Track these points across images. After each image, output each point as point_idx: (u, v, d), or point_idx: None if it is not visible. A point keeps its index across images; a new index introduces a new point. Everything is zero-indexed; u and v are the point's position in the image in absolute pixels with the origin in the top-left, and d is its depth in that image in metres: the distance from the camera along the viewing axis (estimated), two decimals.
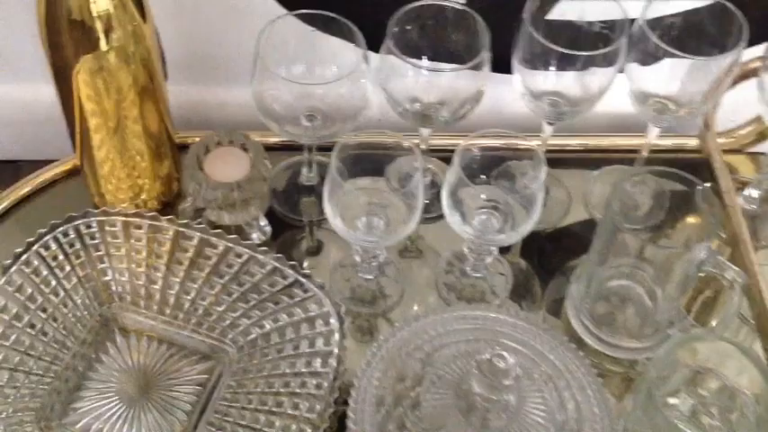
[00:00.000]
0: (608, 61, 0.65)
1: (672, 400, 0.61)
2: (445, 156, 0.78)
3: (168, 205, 0.75)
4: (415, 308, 0.72)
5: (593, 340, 0.68)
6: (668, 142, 0.81)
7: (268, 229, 0.74)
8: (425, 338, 0.62)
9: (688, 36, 0.66)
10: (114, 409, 0.63)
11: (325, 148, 0.73)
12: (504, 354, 0.55)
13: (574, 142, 0.82)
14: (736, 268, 0.62)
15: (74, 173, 0.76)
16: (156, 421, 0.62)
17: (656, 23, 0.65)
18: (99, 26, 0.61)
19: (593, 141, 0.82)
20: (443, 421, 0.57)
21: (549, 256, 0.75)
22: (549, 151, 0.74)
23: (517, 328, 0.63)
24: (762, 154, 0.77)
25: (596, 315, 0.68)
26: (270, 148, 0.72)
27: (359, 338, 0.71)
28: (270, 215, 0.75)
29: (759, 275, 0.66)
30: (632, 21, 0.65)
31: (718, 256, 0.62)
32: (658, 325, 0.66)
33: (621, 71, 0.67)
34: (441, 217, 0.71)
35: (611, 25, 0.66)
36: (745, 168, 0.82)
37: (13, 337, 0.63)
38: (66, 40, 0.61)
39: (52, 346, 0.64)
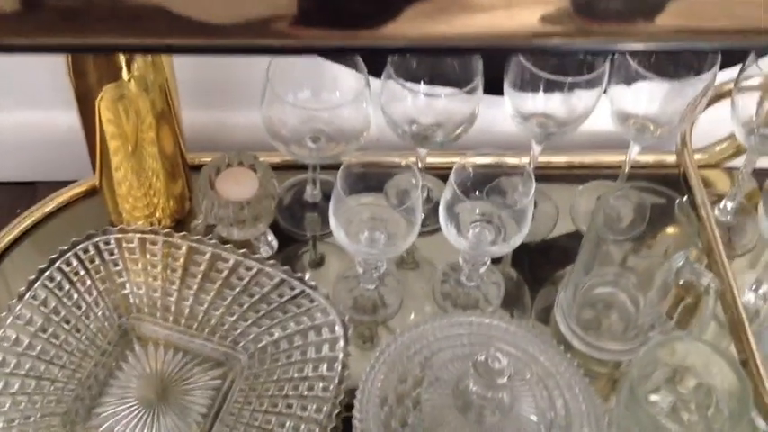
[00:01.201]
0: (592, 84, 0.70)
1: (653, 397, 0.66)
2: (440, 173, 0.82)
3: (181, 222, 0.79)
4: (413, 316, 0.77)
5: (581, 344, 0.73)
6: (649, 159, 0.86)
7: (275, 243, 0.78)
8: (425, 343, 0.66)
9: (665, 61, 0.71)
10: (134, 413, 0.67)
11: (328, 167, 0.77)
12: (499, 355, 0.59)
13: (560, 159, 0.86)
14: (711, 275, 0.67)
15: (91, 193, 0.80)
16: (174, 423, 0.66)
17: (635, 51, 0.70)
18: (121, 57, 0.66)
19: (578, 158, 0.87)
20: (442, 418, 0.62)
21: (538, 266, 0.80)
22: (537, 168, 0.78)
23: (509, 333, 0.67)
24: (736, 169, 0.82)
25: (583, 320, 0.73)
26: (275, 167, 0.77)
27: (360, 345, 0.75)
28: (275, 230, 0.79)
29: (732, 282, 0.70)
30: None
31: (694, 264, 0.67)
32: (640, 329, 0.71)
33: (605, 93, 0.73)
34: (436, 230, 0.75)
35: (594, 52, 0.71)
36: (721, 182, 0.87)
37: (38, 348, 0.67)
38: (90, 69, 0.65)
39: (75, 355, 0.68)
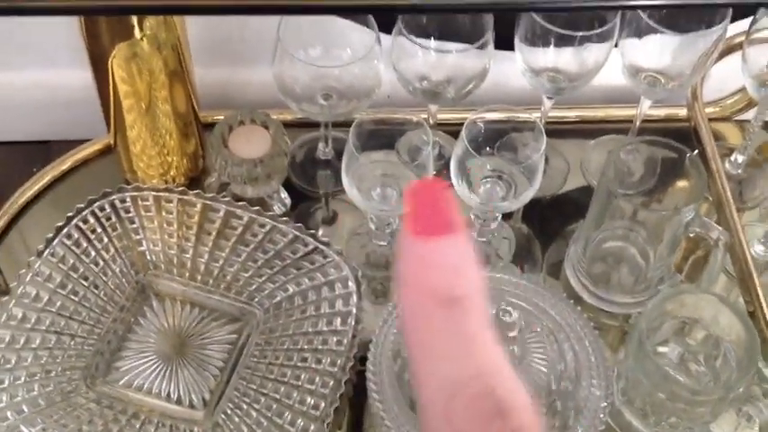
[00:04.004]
0: (602, 38, 0.70)
1: (662, 349, 0.67)
2: (452, 129, 0.82)
3: (195, 180, 0.80)
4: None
5: (591, 297, 0.73)
6: (661, 112, 0.86)
7: (288, 200, 0.79)
8: None
9: (676, 14, 0.71)
10: (153, 367, 0.68)
11: (340, 124, 0.78)
12: (509, 309, 0.60)
13: (572, 114, 0.87)
14: (720, 228, 0.67)
15: (106, 151, 0.81)
16: (191, 377, 0.68)
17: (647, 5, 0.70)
18: (133, 17, 0.66)
19: (589, 113, 0.87)
20: None
21: (549, 222, 0.80)
22: (548, 123, 0.79)
23: (520, 287, 0.68)
24: (747, 122, 0.82)
25: (593, 274, 0.74)
26: (288, 125, 0.77)
27: (373, 300, 0.76)
28: (288, 187, 0.80)
29: (741, 234, 0.71)
30: None
31: (703, 217, 0.68)
32: (650, 282, 0.72)
33: (615, 46, 0.72)
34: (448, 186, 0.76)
35: (605, 8, 0.70)
36: (733, 135, 0.87)
37: (58, 304, 0.68)
38: (103, 29, 0.66)
39: (94, 311, 0.69)
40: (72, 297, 0.69)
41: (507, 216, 0.79)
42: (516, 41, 0.72)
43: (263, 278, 0.71)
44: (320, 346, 0.67)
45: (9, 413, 0.63)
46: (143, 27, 0.67)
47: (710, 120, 0.83)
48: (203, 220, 0.72)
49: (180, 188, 0.73)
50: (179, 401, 0.67)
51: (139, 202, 0.73)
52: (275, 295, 0.70)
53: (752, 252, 0.73)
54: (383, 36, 0.72)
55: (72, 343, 0.68)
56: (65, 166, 0.81)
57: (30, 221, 0.79)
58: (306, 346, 0.67)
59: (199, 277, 0.71)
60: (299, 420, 0.64)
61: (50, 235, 0.70)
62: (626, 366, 0.63)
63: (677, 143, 0.70)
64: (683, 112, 0.85)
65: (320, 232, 0.73)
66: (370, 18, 0.71)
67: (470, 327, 0.42)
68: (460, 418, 0.41)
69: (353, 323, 0.68)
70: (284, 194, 0.79)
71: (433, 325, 0.42)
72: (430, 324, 0.42)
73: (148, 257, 0.72)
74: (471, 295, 0.42)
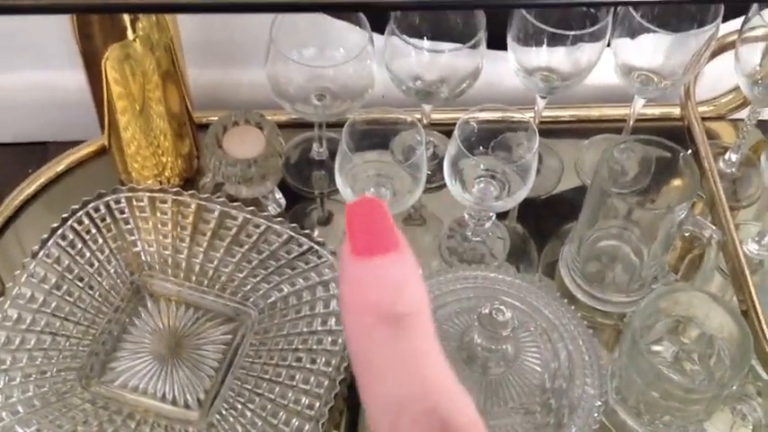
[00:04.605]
0: (595, 38, 0.70)
1: (656, 348, 0.67)
2: (446, 129, 0.82)
3: (189, 181, 0.80)
4: (420, 271, 0.77)
5: (585, 296, 0.74)
6: (654, 111, 0.86)
7: (282, 201, 0.79)
8: (430, 297, 0.67)
9: (669, 13, 0.71)
10: (148, 368, 0.68)
11: (334, 125, 0.78)
12: (503, 308, 0.60)
13: (566, 113, 0.87)
14: (713, 226, 0.68)
15: (101, 152, 0.81)
16: (186, 377, 0.68)
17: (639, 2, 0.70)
18: (125, 17, 0.66)
19: (583, 112, 0.87)
20: None
21: (543, 221, 0.81)
22: (542, 122, 0.79)
23: (514, 286, 0.68)
24: (741, 120, 0.82)
25: (587, 273, 0.74)
26: (282, 126, 0.77)
27: None
28: (283, 188, 0.80)
29: (733, 232, 0.71)
30: None
31: (697, 216, 0.68)
32: (644, 280, 0.72)
33: (608, 46, 0.73)
34: (442, 186, 0.76)
35: (596, 4, 0.71)
36: (727, 134, 0.87)
37: (53, 305, 0.68)
38: (95, 30, 0.66)
39: (89, 311, 0.69)
40: (67, 298, 0.69)
41: (502, 216, 0.79)
42: (509, 41, 0.72)
43: (258, 278, 0.71)
44: (315, 346, 0.67)
45: (4, 414, 0.63)
46: (136, 28, 0.67)
47: (704, 119, 0.83)
48: (198, 221, 0.73)
49: (174, 189, 0.73)
50: (174, 402, 0.67)
51: (134, 203, 0.73)
52: (270, 295, 0.71)
53: (745, 250, 0.73)
54: (376, 36, 0.72)
55: (67, 344, 0.68)
56: (60, 168, 0.81)
57: (25, 222, 0.79)
58: (301, 346, 0.68)
59: (193, 278, 0.72)
60: (294, 420, 0.64)
61: (45, 236, 0.71)
62: (620, 365, 0.64)
63: (671, 142, 0.70)
64: (676, 111, 0.86)
65: (315, 232, 0.73)
66: (363, 18, 0.71)
67: (414, 344, 0.42)
68: None
69: None
70: (279, 195, 0.79)
71: (377, 344, 0.41)
72: (373, 343, 0.41)
73: (143, 258, 0.72)
74: (415, 312, 0.42)
